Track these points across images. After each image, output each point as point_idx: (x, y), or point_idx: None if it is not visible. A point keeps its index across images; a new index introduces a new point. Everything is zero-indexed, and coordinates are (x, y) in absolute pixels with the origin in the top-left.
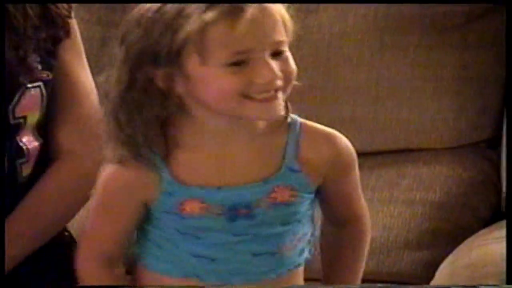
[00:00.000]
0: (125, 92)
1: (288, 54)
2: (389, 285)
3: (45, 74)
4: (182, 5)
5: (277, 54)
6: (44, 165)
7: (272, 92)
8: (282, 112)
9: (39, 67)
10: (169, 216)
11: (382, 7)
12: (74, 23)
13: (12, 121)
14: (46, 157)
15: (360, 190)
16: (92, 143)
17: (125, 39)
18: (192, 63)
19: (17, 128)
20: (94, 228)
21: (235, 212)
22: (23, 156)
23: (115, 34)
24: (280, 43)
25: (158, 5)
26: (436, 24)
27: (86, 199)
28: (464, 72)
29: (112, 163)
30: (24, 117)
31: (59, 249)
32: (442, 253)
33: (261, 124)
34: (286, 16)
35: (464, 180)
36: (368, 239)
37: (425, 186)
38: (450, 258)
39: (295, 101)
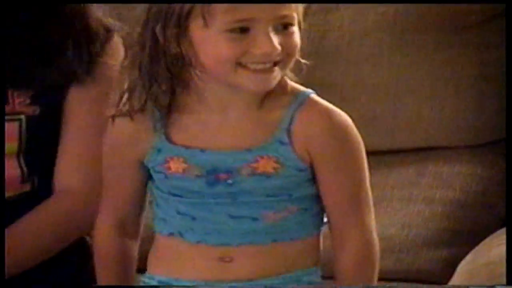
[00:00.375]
0: (140, 49)
1: (294, 29)
2: (407, 283)
3: (31, 110)
4: None
5: (281, 27)
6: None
7: (268, 65)
8: (273, 85)
9: (28, 100)
10: (158, 175)
11: (402, 5)
12: (101, 68)
13: None
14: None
15: (365, 200)
16: (88, 183)
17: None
18: (196, 26)
19: None
20: (106, 187)
21: (214, 177)
22: None
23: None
24: (285, 16)
25: None
26: (456, 22)
27: (73, 236)
28: (483, 71)
29: (118, 117)
30: None
31: (77, 256)
32: (461, 251)
33: (262, 96)
34: None
35: (484, 179)
36: (374, 271)
37: (444, 184)
38: (469, 257)
39: None
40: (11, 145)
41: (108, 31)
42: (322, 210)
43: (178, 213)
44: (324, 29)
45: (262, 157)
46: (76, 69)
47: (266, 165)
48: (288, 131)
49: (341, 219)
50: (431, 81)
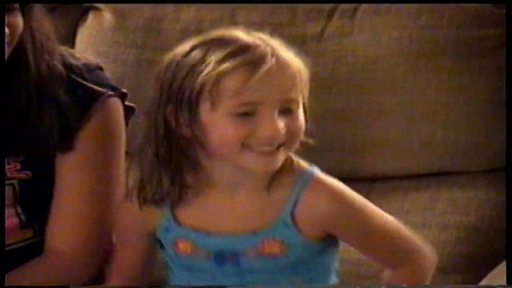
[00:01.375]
0: (155, 133)
1: (298, 112)
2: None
3: (24, 174)
4: (206, 50)
5: (286, 111)
6: None
7: (272, 147)
8: (277, 166)
9: (18, 166)
10: (169, 251)
11: (416, 30)
12: (83, 135)
13: None
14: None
15: (393, 227)
16: (78, 246)
17: (158, 80)
18: (204, 109)
19: None
20: (115, 254)
21: (222, 258)
22: None
23: (149, 57)
24: (291, 100)
25: (187, 49)
26: (470, 48)
27: None
28: (497, 96)
29: (125, 201)
30: None
31: None
32: (476, 277)
33: (268, 176)
34: (303, 72)
35: (499, 204)
36: (426, 277)
37: (459, 209)
38: (484, 282)
39: (329, 124)
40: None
41: (94, 95)
42: (329, 277)
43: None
44: (338, 55)
45: (268, 240)
46: (54, 140)
47: (272, 248)
48: (292, 213)
49: (390, 261)
50: (445, 106)
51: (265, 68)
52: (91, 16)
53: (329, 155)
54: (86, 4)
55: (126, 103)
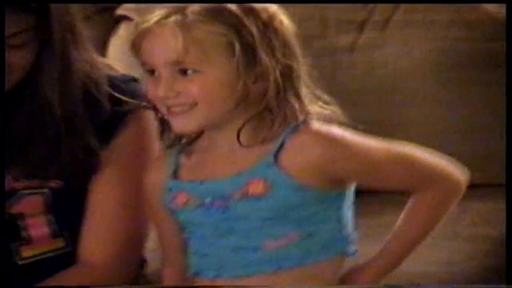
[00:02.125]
0: None
1: (199, 74)
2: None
3: (54, 183)
4: None
5: (183, 72)
6: None
7: (181, 108)
8: (195, 127)
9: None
10: (172, 213)
11: (447, 42)
12: (117, 147)
13: (7, 213)
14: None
15: (401, 152)
16: (110, 258)
17: None
18: None
19: (15, 218)
20: (158, 234)
21: (211, 205)
22: (21, 239)
23: None
24: (180, 62)
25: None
26: (501, 59)
27: None
28: None
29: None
30: (21, 214)
31: None
32: None
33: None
34: (199, 36)
35: None
36: (452, 199)
37: (487, 222)
38: None
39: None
40: (34, 211)
41: (129, 106)
42: (340, 233)
43: (193, 252)
44: (369, 67)
45: (251, 180)
46: (83, 159)
47: (255, 188)
48: (276, 155)
49: (411, 187)
50: (476, 118)
51: (153, 31)
52: (123, 26)
53: None
54: (118, 14)
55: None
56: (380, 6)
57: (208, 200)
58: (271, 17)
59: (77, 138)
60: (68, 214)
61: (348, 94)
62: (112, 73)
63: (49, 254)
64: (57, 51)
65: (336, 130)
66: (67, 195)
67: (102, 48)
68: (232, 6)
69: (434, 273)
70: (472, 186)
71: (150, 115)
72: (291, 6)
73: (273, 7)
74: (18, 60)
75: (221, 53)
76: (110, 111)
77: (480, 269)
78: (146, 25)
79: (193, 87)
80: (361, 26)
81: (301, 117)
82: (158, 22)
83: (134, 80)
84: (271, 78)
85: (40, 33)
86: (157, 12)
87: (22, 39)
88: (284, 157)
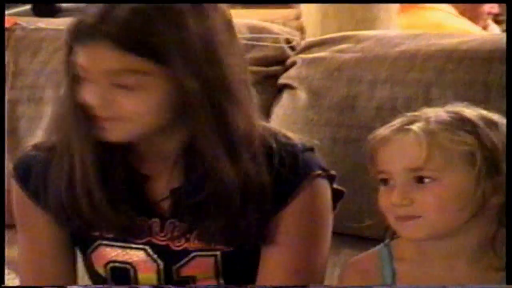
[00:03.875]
0: None
1: (432, 183)
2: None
3: (225, 247)
4: None
5: (419, 180)
6: None
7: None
8: (421, 236)
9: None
10: None
11: None
12: (289, 214)
13: (176, 277)
14: None
15: None
16: None
17: None
18: None
19: (185, 282)
20: None
21: None
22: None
23: (344, 135)
24: (418, 169)
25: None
26: None
27: None
28: None
29: None
30: (193, 277)
31: None
32: None
33: None
34: (444, 143)
35: None
36: None
37: None
38: None
39: None
40: (205, 275)
41: (303, 173)
42: None
43: None
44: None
45: None
46: (257, 226)
47: None
48: None
49: None
50: None
51: (383, 137)
52: (285, 95)
53: None
54: (280, 83)
55: (335, 186)
56: None
57: None
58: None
59: (255, 208)
60: (236, 278)
61: None
62: (286, 140)
63: None
64: (200, 104)
65: None
66: (237, 259)
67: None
68: (473, 117)
69: None
70: None
71: (325, 183)
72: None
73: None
74: (128, 102)
75: (463, 162)
76: (284, 177)
77: None
78: (384, 133)
79: (428, 197)
80: None
81: None
82: (399, 129)
83: (311, 149)
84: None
85: (165, 81)
86: (395, 121)
87: (133, 80)
88: None
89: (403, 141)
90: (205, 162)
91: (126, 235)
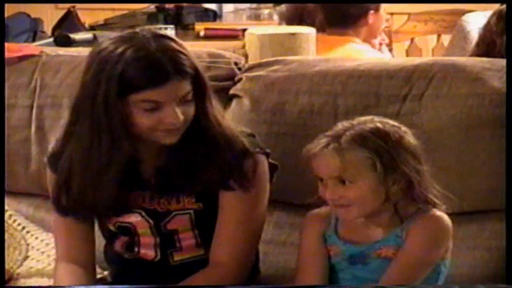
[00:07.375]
0: None
1: (350, 184)
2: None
3: (196, 206)
4: None
5: (342, 182)
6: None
7: (340, 206)
8: (352, 218)
9: (193, 199)
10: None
11: (466, 109)
12: (239, 179)
13: (164, 231)
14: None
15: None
16: (235, 260)
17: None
18: None
19: (170, 234)
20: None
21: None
22: (175, 247)
23: (276, 130)
24: (338, 176)
25: None
26: (502, 121)
27: None
28: None
29: None
30: (176, 230)
31: None
32: None
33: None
34: (351, 159)
35: None
36: None
37: (499, 237)
38: None
39: None
40: (184, 227)
41: (248, 151)
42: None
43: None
44: (410, 128)
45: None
46: (220, 182)
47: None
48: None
49: None
50: (487, 163)
51: (312, 154)
52: (234, 102)
53: None
54: (230, 94)
55: (270, 160)
56: (417, 83)
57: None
58: (401, 137)
59: (220, 165)
60: (208, 229)
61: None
62: (236, 131)
63: (192, 259)
64: (207, 104)
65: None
66: (206, 215)
67: None
68: (371, 135)
69: (462, 273)
70: (488, 211)
71: (263, 157)
72: (353, 86)
73: (403, 128)
74: (190, 110)
75: (367, 169)
76: (235, 154)
77: (494, 270)
78: (314, 149)
79: (350, 193)
80: (404, 98)
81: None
82: (323, 147)
83: (252, 135)
84: (403, 180)
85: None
86: (319, 141)
87: (190, 97)
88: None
89: (326, 157)
90: (184, 148)
91: (123, 204)
